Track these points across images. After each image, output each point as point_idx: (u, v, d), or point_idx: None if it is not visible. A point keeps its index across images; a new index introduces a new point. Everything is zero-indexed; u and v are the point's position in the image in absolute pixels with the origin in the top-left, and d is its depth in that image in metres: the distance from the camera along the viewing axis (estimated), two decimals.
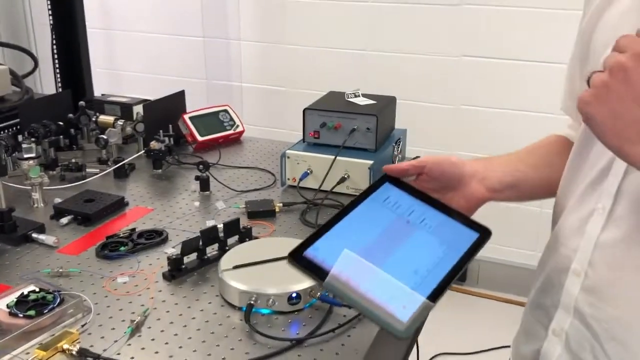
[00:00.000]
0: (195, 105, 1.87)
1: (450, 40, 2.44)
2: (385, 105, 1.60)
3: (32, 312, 0.97)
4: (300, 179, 1.49)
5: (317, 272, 0.74)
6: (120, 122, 1.76)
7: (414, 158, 0.98)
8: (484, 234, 0.81)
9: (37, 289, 1.03)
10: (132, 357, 0.91)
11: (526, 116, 2.43)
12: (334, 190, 1.44)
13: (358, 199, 0.84)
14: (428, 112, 2.54)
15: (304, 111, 1.54)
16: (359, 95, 1.63)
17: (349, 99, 1.62)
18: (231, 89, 2.82)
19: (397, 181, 0.87)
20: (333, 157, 1.46)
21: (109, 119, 1.78)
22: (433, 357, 2.44)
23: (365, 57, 2.58)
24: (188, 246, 1.15)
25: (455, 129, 2.53)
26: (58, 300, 1.00)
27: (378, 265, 0.75)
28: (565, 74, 0.98)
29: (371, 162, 1.44)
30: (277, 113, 2.67)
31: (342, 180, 1.46)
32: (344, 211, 0.82)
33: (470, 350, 2.48)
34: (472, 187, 0.88)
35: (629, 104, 0.60)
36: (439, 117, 2.55)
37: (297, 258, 0.75)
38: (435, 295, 0.72)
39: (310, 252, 0.76)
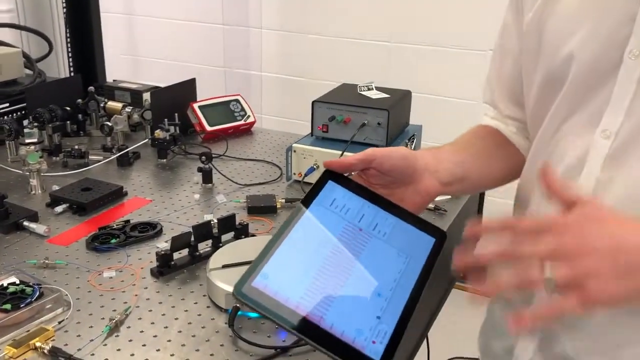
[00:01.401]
0: (213, 94, 1.82)
1: (477, 33, 2.34)
2: (398, 100, 1.52)
3: (7, 306, 0.93)
4: (306, 174, 1.42)
5: (271, 309, 0.61)
6: (127, 110, 1.72)
7: None
8: (440, 237, 0.76)
9: (18, 281, 0.99)
10: (106, 359, 0.87)
11: None
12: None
13: (303, 205, 0.73)
14: (449, 107, 2.45)
15: (312, 104, 1.48)
16: (372, 88, 1.56)
17: (361, 92, 1.55)
18: (250, 78, 2.77)
19: (340, 178, 0.77)
20: (340, 152, 1.39)
21: (117, 105, 1.75)
22: None
23: (389, 49, 2.50)
24: (178, 242, 1.09)
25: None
26: (37, 294, 0.96)
27: (337, 291, 0.65)
28: (490, 65, 1.00)
29: None
30: (296, 104, 2.60)
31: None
32: (289, 222, 0.71)
33: None
34: (425, 181, 0.80)
35: (614, 257, 0.59)
36: (461, 114, 2.46)
37: (244, 292, 0.62)
38: (405, 319, 0.65)
39: (259, 283, 0.63)
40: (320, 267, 0.67)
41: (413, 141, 1.57)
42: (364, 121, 1.43)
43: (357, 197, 0.76)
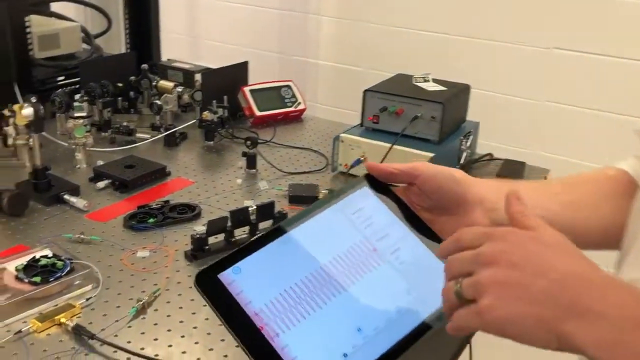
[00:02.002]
0: (267, 80, 1.79)
1: (541, 30, 2.22)
2: (456, 93, 1.44)
3: (37, 279, 0.92)
4: (352, 166, 1.37)
5: (225, 307, 0.54)
6: (178, 89, 1.70)
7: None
8: None
9: (51, 254, 0.98)
10: (129, 342, 0.84)
11: (620, 120, 2.18)
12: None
13: (323, 203, 0.64)
14: (508, 105, 2.33)
15: (364, 93, 1.42)
16: (428, 80, 1.48)
17: (416, 83, 1.48)
18: (306, 65, 2.72)
19: (380, 186, 0.67)
20: (390, 145, 1.33)
21: (169, 84, 1.73)
22: None
23: (448, 41, 2.40)
24: (214, 226, 1.06)
25: (537, 126, 2.31)
26: (68, 268, 0.95)
27: (312, 311, 0.56)
28: None
29: (432, 154, 1.30)
30: (352, 94, 2.54)
31: None
32: (298, 217, 0.62)
33: None
34: (473, 216, 0.67)
35: (532, 280, 0.49)
36: (519, 112, 2.34)
37: (206, 281, 0.55)
38: None
39: (226, 276, 0.55)
40: (305, 278, 0.58)
41: (468, 138, 1.49)
42: (417, 114, 1.36)
43: (389, 212, 0.65)
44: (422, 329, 0.58)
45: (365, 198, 0.66)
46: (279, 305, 0.55)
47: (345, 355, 0.54)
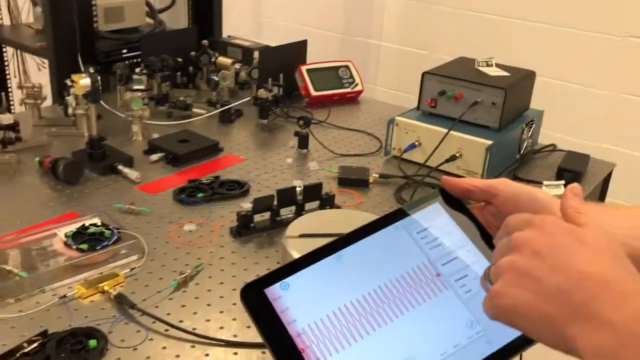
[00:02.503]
0: (327, 59, 1.76)
1: (615, 16, 2.09)
2: (519, 80, 1.38)
3: (84, 246, 0.93)
4: (405, 150, 1.33)
5: (267, 325, 0.51)
6: (236, 66, 1.70)
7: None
8: None
9: (99, 223, 1.00)
10: (168, 314, 0.84)
11: None
12: (440, 167, 1.27)
13: (387, 218, 0.58)
14: (578, 96, 2.22)
15: (422, 75, 1.37)
16: (491, 65, 1.42)
17: (478, 68, 1.42)
18: (368, 47, 2.67)
19: (455, 203, 0.60)
20: (447, 130, 1.28)
21: (227, 61, 1.73)
22: None
23: (517, 26, 2.30)
24: (260, 204, 1.06)
25: (610, 120, 2.20)
26: (115, 238, 0.96)
27: (359, 336, 0.51)
28: None
29: (490, 142, 1.25)
30: (414, 78, 2.48)
31: (453, 158, 1.28)
32: (357, 233, 0.56)
33: None
34: None
35: (548, 273, 0.46)
36: (590, 104, 2.22)
37: (252, 294, 0.52)
38: None
39: (272, 291, 0.52)
40: (356, 300, 0.53)
41: (531, 127, 1.42)
42: (477, 99, 1.31)
43: (460, 233, 0.58)
44: None
45: (435, 215, 0.59)
46: (324, 328, 0.51)
47: None
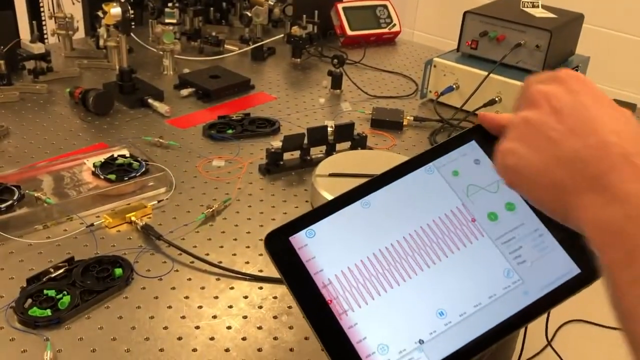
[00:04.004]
0: None
1: None
2: (566, 22, 1.30)
3: (112, 176, 0.93)
4: (442, 93, 1.28)
5: (293, 275, 0.49)
6: (270, 2, 1.65)
7: None
8: (589, 273, 0.49)
9: (128, 154, 0.99)
10: (195, 246, 0.84)
11: None
12: (477, 112, 1.22)
13: (419, 159, 0.54)
14: (627, 44, 2.12)
15: (463, 14, 1.31)
16: (537, 6, 1.35)
17: (524, 9, 1.34)
18: None
19: (493, 142, 0.51)
20: (487, 73, 1.23)
21: None
22: (565, 323, 2.17)
23: None
24: (290, 142, 1.03)
25: None
26: (143, 169, 0.95)
27: (389, 286, 0.49)
28: None
29: None
30: (454, 22, 2.38)
31: (492, 102, 1.23)
32: (386, 176, 0.53)
33: (614, 324, 2.17)
34: None
35: (567, 136, 0.41)
36: (636, 53, 2.12)
37: (276, 243, 0.50)
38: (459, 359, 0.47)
39: (298, 239, 0.50)
40: (385, 249, 0.50)
41: None
42: (520, 41, 1.25)
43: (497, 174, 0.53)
44: (517, 322, 0.49)
45: (471, 154, 0.54)
46: (352, 278, 0.49)
47: (421, 341, 0.47)
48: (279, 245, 0.49)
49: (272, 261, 0.49)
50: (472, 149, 0.54)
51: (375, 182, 0.53)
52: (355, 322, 0.48)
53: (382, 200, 0.52)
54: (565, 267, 0.50)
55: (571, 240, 0.50)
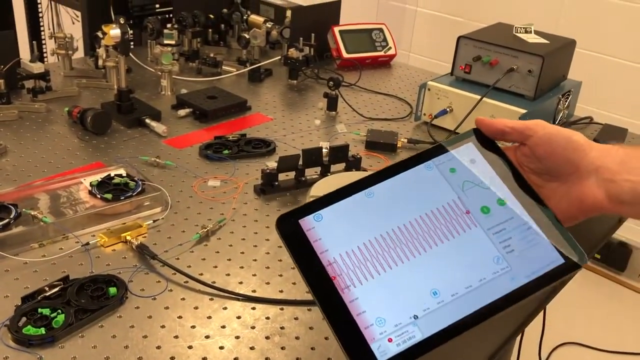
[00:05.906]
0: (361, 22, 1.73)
1: None
2: (558, 48, 1.33)
3: (108, 196, 0.94)
4: (436, 116, 1.30)
5: (301, 253, 0.53)
6: (268, 25, 1.67)
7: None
8: (572, 263, 0.54)
9: (125, 174, 1.00)
10: (189, 266, 0.85)
11: None
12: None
13: (419, 157, 0.59)
14: (616, 69, 2.15)
15: (457, 39, 1.33)
16: (530, 32, 1.37)
17: (517, 34, 1.37)
18: (405, 12, 2.62)
19: (488, 143, 0.60)
20: (480, 96, 1.25)
21: (259, 19, 1.71)
22: (559, 346, 2.17)
23: None
24: (285, 163, 1.04)
25: None
26: (139, 189, 0.96)
27: (387, 266, 0.53)
28: None
29: (525, 111, 1.21)
30: (448, 46, 2.42)
31: None
32: (389, 169, 0.58)
33: (609, 348, 2.17)
34: (585, 188, 0.57)
35: None
36: (632, 78, 2.15)
37: (287, 224, 0.55)
38: (446, 335, 0.51)
39: (307, 222, 0.55)
40: (385, 233, 0.55)
41: (568, 98, 1.38)
42: (513, 66, 1.27)
43: (491, 172, 0.59)
44: (503, 304, 0.53)
45: (468, 154, 0.59)
46: (355, 258, 0.54)
47: (415, 317, 0.52)
48: (290, 227, 0.55)
49: (283, 241, 0.54)
50: (469, 149, 0.60)
51: (379, 175, 0.58)
52: (356, 296, 0.52)
53: (385, 191, 0.57)
54: (550, 257, 0.55)
55: (557, 233, 0.56)
